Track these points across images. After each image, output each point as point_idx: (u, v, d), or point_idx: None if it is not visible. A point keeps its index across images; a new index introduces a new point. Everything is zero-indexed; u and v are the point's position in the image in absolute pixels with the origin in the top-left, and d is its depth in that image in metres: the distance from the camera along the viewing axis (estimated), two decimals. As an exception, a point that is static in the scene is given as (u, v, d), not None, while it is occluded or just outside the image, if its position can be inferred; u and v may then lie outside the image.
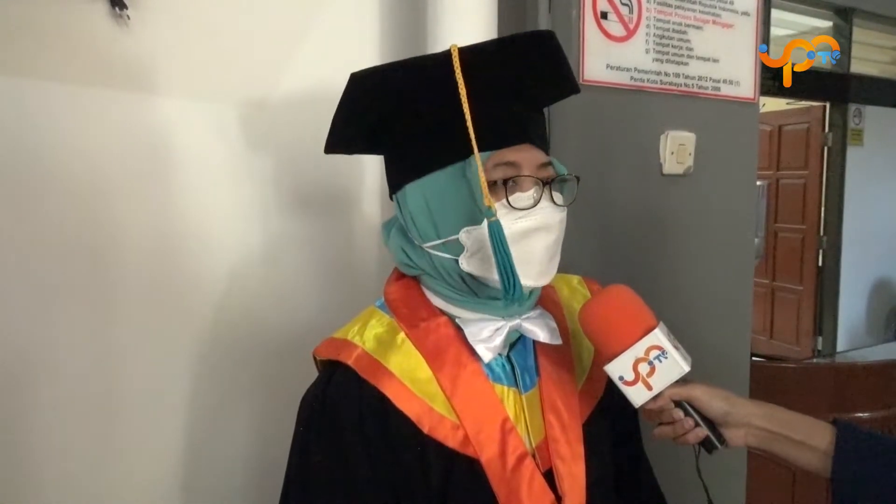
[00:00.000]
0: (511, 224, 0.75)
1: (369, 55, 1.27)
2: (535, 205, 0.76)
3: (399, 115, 0.79)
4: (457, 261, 0.78)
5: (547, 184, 0.78)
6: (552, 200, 0.78)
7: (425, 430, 0.76)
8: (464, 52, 0.74)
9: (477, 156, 0.72)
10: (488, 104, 0.76)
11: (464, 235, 0.77)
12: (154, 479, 1.13)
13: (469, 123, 0.72)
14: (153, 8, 1.07)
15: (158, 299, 1.12)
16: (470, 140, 0.73)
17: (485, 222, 0.74)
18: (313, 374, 0.86)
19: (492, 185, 0.75)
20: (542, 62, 0.83)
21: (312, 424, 0.79)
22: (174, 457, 1.15)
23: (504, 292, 0.74)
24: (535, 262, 0.77)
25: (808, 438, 0.79)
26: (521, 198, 0.76)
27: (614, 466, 0.89)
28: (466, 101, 0.72)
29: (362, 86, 0.77)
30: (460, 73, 0.72)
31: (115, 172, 1.06)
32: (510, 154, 0.77)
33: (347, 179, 1.28)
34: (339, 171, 1.27)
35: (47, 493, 1.04)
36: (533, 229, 0.76)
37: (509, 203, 0.75)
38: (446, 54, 0.74)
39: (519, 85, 0.80)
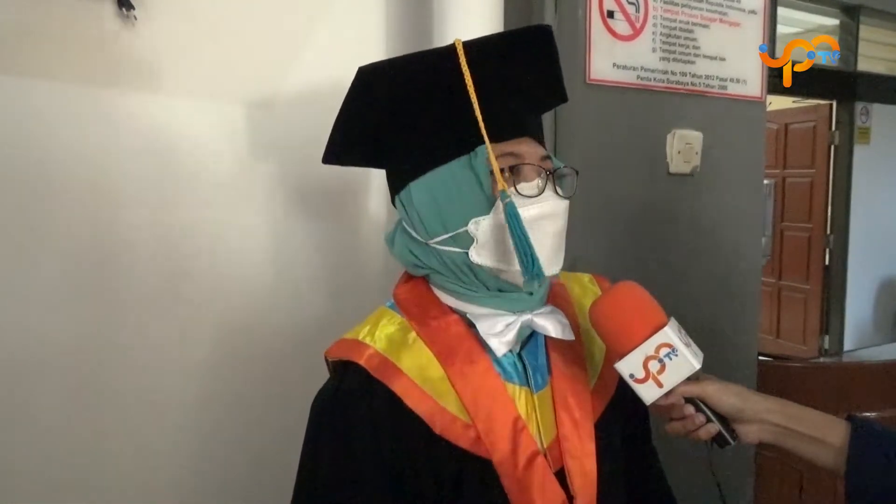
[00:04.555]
0: (521, 211, 0.75)
1: (376, 56, 1.26)
2: (540, 193, 0.77)
3: (404, 110, 0.80)
4: (466, 253, 0.78)
5: (550, 173, 0.79)
6: (555, 191, 0.79)
7: (437, 430, 0.76)
8: (465, 46, 0.75)
9: (488, 144, 0.75)
10: (489, 98, 0.77)
11: (472, 226, 0.77)
12: (160, 478, 1.14)
13: (478, 114, 0.74)
14: (160, 8, 1.07)
15: (164, 300, 1.12)
16: (479, 130, 0.75)
17: (492, 211, 0.76)
18: (320, 374, 0.86)
19: (499, 172, 0.76)
20: (539, 56, 0.84)
21: (323, 426, 0.79)
22: (181, 457, 1.15)
23: (525, 270, 0.75)
24: (543, 251, 0.77)
25: (822, 435, 0.78)
26: (528, 186, 0.77)
27: (625, 465, 0.89)
28: (474, 92, 0.74)
29: (369, 79, 0.78)
30: (465, 66, 0.74)
31: (120, 172, 1.07)
32: (512, 146, 0.78)
33: (354, 180, 1.28)
34: (346, 172, 1.26)
35: (50, 493, 1.04)
36: (540, 217, 0.77)
37: (517, 190, 0.76)
38: (450, 48, 0.75)
39: (518, 81, 0.81)
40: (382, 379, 0.77)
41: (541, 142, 0.82)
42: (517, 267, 0.77)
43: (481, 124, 0.74)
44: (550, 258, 0.79)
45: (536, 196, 0.77)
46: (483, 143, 0.76)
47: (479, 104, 0.75)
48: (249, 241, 1.19)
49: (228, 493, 1.19)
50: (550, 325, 0.82)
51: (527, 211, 0.76)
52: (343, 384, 0.79)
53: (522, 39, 0.83)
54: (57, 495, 1.05)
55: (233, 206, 1.17)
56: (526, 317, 0.81)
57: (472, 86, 0.74)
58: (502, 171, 0.76)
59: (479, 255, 0.78)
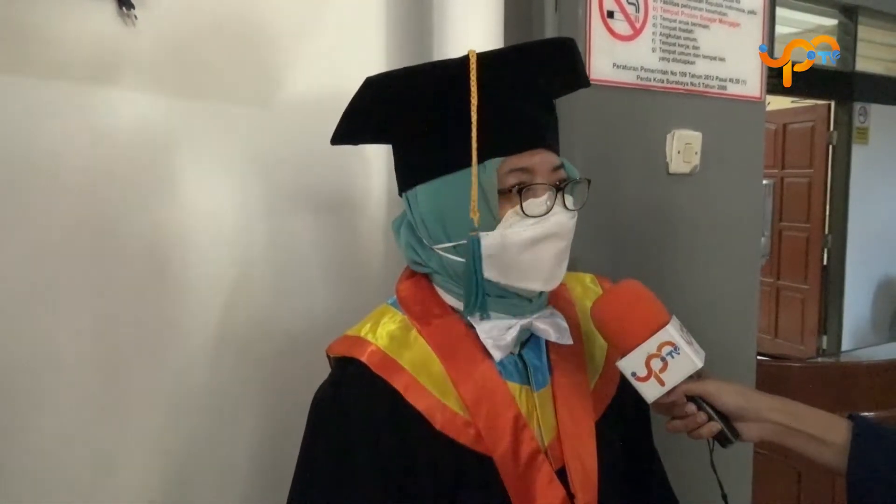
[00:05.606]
0: (524, 230, 0.76)
1: (376, 54, 1.27)
2: (548, 212, 0.77)
3: (413, 119, 0.79)
4: None
5: (560, 189, 0.78)
6: (564, 205, 0.79)
7: (437, 425, 0.76)
8: (480, 57, 0.74)
9: (474, 168, 0.74)
10: (504, 109, 0.76)
11: None
12: (159, 477, 1.13)
13: (473, 133, 0.73)
14: (160, 8, 1.07)
15: (164, 299, 1.12)
16: (489, 141, 0.74)
17: (497, 228, 0.76)
18: (320, 371, 0.86)
19: (506, 191, 0.76)
20: (560, 68, 0.83)
21: (322, 421, 0.79)
22: (180, 455, 1.15)
23: (465, 305, 0.79)
24: (544, 269, 0.78)
25: (824, 434, 0.78)
26: (535, 204, 0.76)
27: (626, 464, 0.89)
28: (475, 109, 0.73)
29: (376, 90, 0.77)
30: (475, 80, 0.73)
31: (121, 172, 1.06)
32: (525, 159, 0.77)
33: (354, 178, 1.28)
34: (346, 171, 1.27)
35: (50, 493, 1.04)
36: (545, 236, 0.76)
37: (523, 210, 0.76)
38: (463, 59, 0.74)
39: (535, 89, 0.80)
40: (384, 375, 0.77)
41: (556, 147, 0.81)
42: (520, 284, 0.77)
43: (473, 143, 0.73)
44: (551, 275, 0.79)
45: (543, 215, 0.76)
46: (493, 156, 0.75)
47: (493, 116, 0.74)
48: (250, 240, 1.19)
49: (228, 490, 1.19)
50: (550, 329, 0.82)
51: (531, 230, 0.76)
52: (343, 382, 0.79)
53: (542, 52, 0.81)
54: (56, 494, 1.05)
55: (233, 205, 1.17)
56: (526, 320, 0.81)
57: (484, 98, 0.73)
58: (510, 189, 0.76)
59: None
